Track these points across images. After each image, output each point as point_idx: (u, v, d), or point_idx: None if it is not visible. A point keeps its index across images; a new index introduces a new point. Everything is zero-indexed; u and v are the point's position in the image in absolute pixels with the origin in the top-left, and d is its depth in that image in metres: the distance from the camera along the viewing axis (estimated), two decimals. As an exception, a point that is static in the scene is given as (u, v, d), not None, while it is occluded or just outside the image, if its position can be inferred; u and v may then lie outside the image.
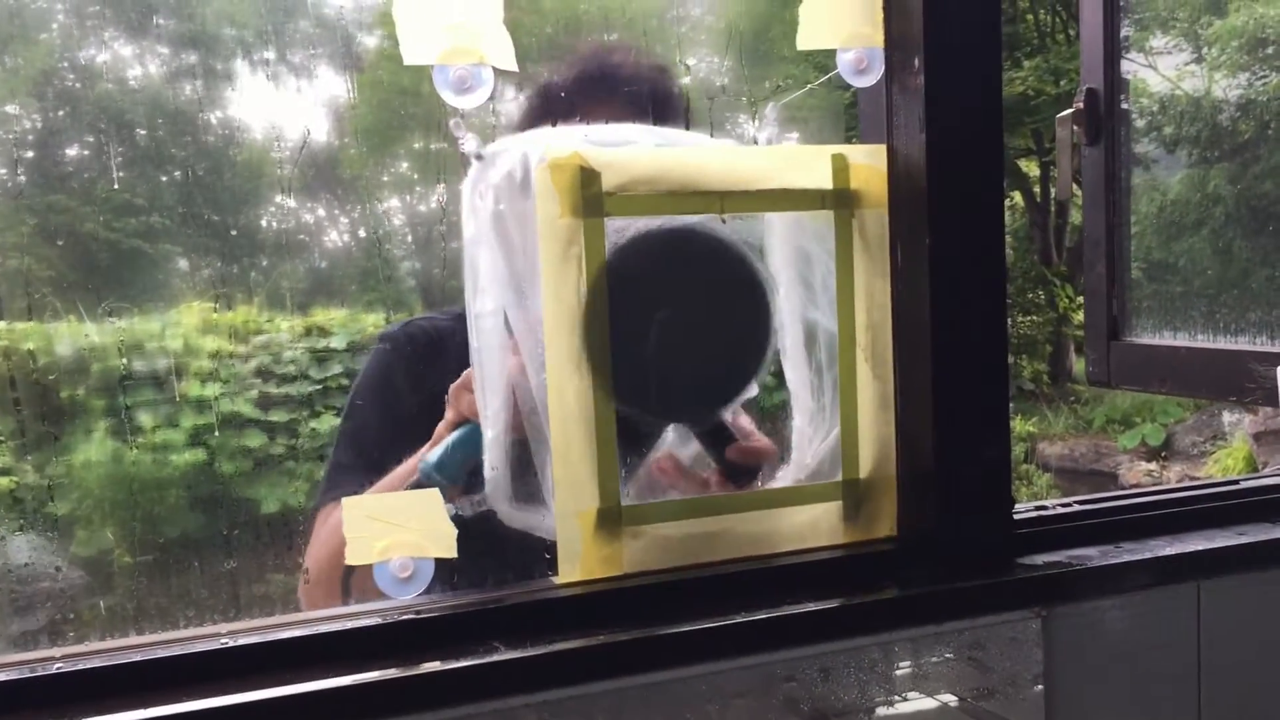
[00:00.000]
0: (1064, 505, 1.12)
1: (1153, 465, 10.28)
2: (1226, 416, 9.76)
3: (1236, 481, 1.19)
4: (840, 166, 1.02)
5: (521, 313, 1.01)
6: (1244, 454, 8.16)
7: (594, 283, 0.96)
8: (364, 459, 1.31)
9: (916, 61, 0.99)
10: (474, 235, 1.04)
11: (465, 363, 1.32)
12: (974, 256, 1.01)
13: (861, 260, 1.04)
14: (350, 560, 0.92)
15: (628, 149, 0.98)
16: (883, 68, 1.03)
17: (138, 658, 0.84)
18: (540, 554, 1.03)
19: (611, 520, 0.97)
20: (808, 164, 1.02)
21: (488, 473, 1.03)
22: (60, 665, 0.83)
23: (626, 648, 0.90)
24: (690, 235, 1.00)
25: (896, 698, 0.99)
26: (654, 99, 1.27)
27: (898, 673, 0.98)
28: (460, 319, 1.42)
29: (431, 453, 1.05)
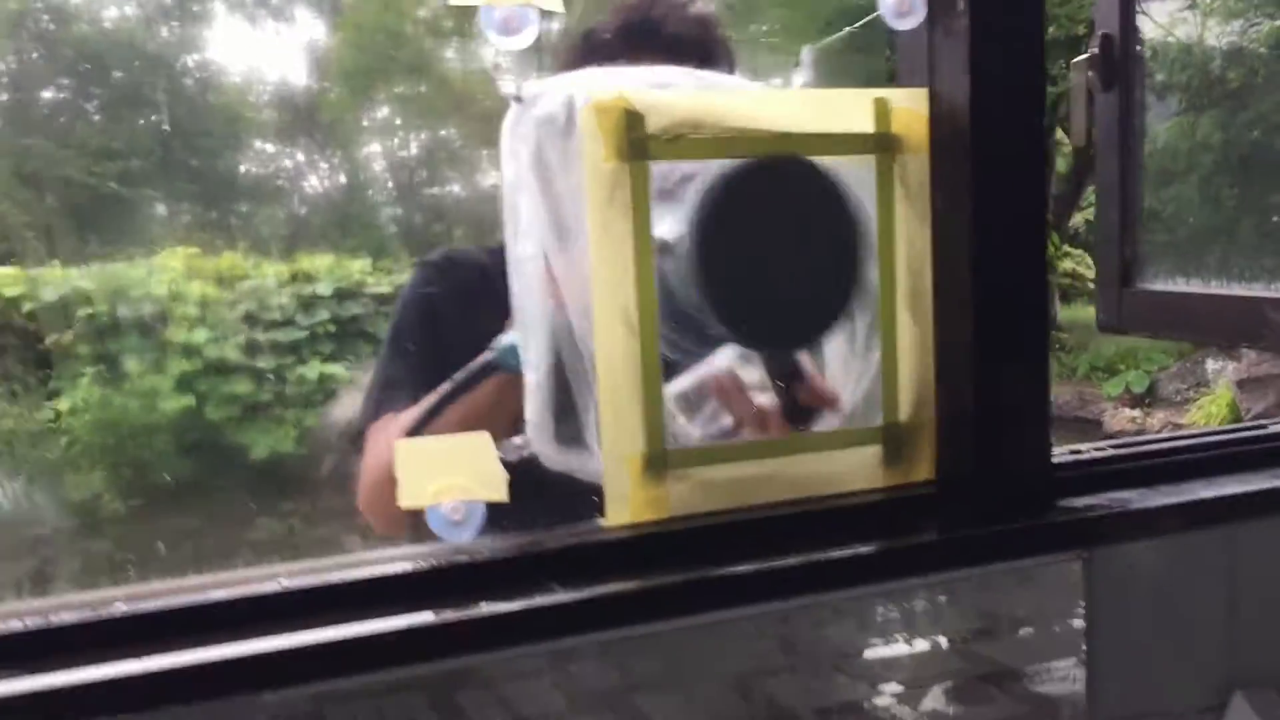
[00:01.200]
0: (1099, 450, 1.13)
1: (1136, 412, 10.38)
2: (1210, 364, 9.85)
3: (1264, 426, 1.20)
4: (882, 110, 1.02)
5: (563, 257, 1.02)
6: (1227, 400, 8.24)
7: (639, 228, 0.96)
8: (413, 376, 1.32)
9: (960, 3, 0.99)
10: (514, 179, 1.03)
11: (504, 292, 1.33)
12: (1016, 200, 1.01)
13: (902, 205, 1.04)
14: (403, 503, 0.92)
15: (671, 91, 0.98)
16: (925, 10, 1.03)
17: (197, 599, 0.85)
18: (585, 497, 1.04)
19: (658, 464, 0.98)
20: (849, 108, 1.02)
21: (530, 416, 1.03)
22: (122, 607, 0.83)
23: (678, 589, 0.91)
24: (793, 164, 1.00)
25: (940, 638, 1.01)
26: (700, 47, 1.26)
27: (940, 613, 1.00)
28: (495, 253, 1.43)
29: (506, 336, 1.06)
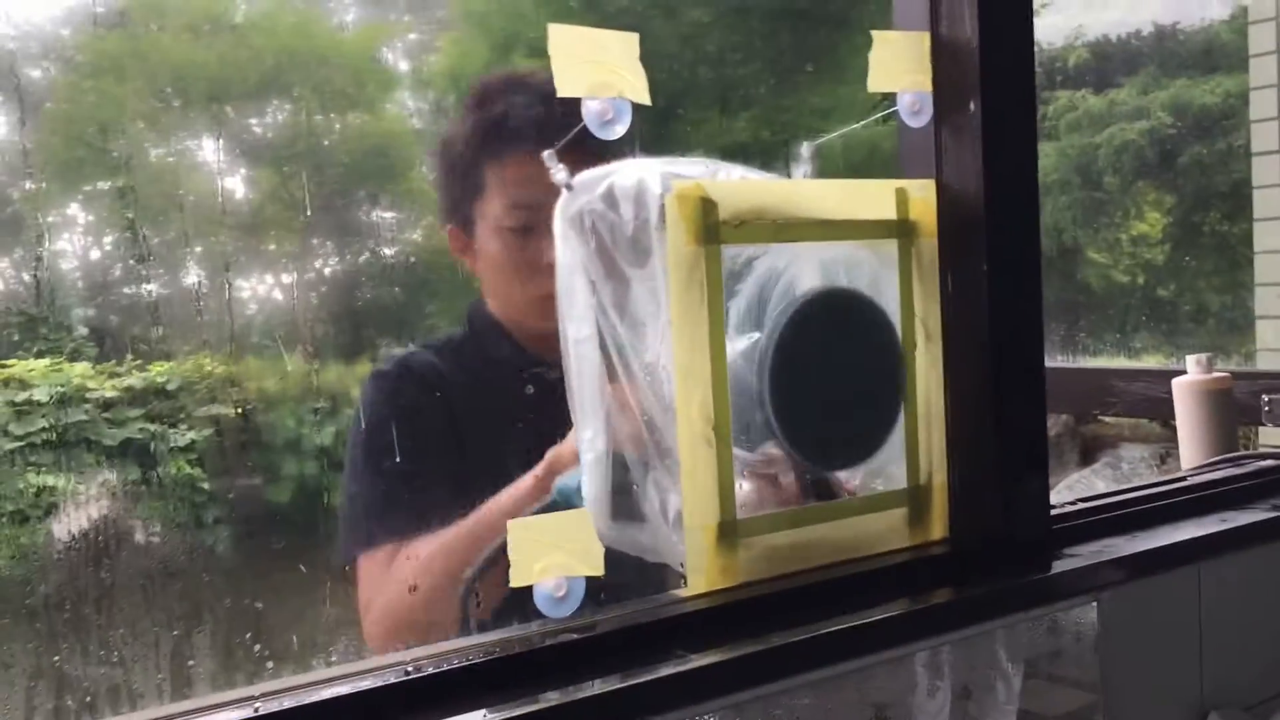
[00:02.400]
0: (1080, 502, 1.26)
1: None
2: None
3: (1185, 479, 1.37)
4: (903, 199, 1.12)
5: (624, 337, 1.05)
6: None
7: (714, 308, 1.01)
8: (399, 492, 1.30)
9: (972, 105, 1.10)
10: (567, 263, 1.07)
11: (467, 386, 1.34)
12: (1024, 287, 1.13)
13: (917, 284, 1.14)
14: (515, 582, 0.92)
15: (736, 182, 1.05)
16: (932, 109, 1.14)
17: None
18: (644, 570, 1.07)
19: (729, 532, 1.02)
20: (875, 197, 1.11)
21: (587, 494, 1.06)
22: None
23: (762, 657, 0.95)
24: (849, 298, 1.09)
25: (972, 684, 1.09)
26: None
27: (972, 661, 1.08)
28: (441, 350, 1.43)
29: (569, 476, 1.06)
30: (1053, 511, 1.19)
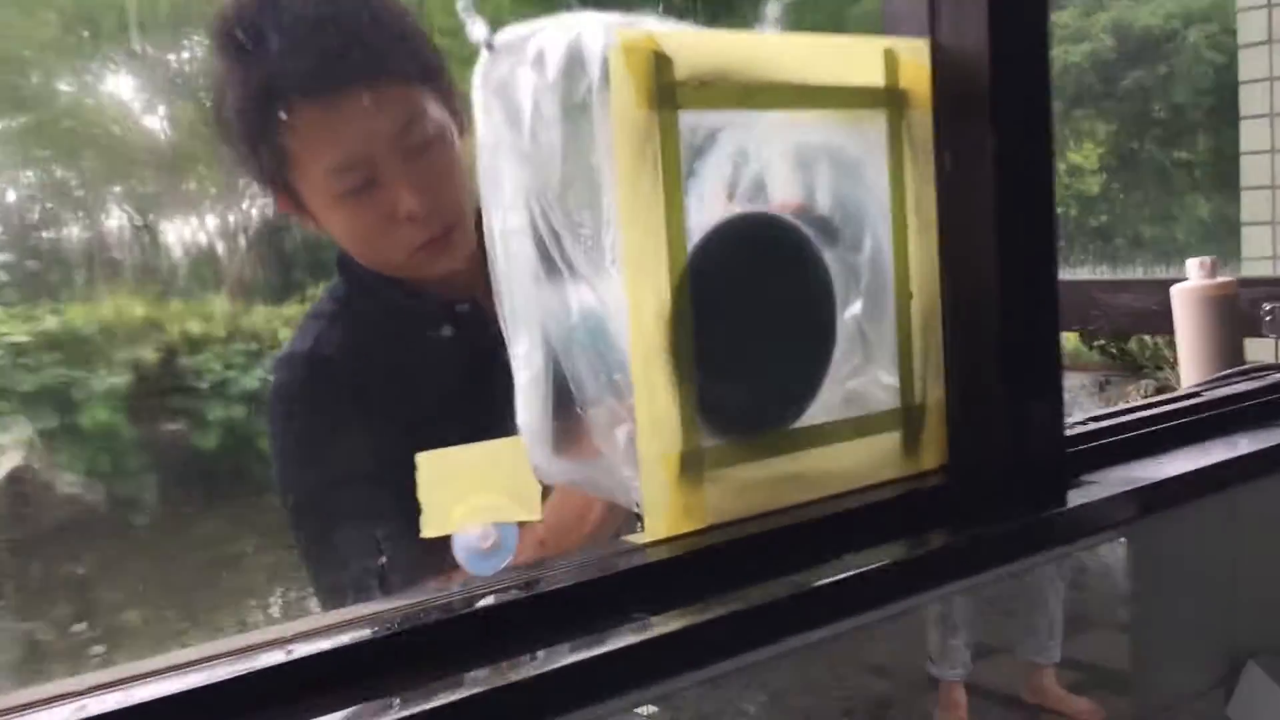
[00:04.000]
0: (1094, 420, 1.09)
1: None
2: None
3: (1200, 394, 1.21)
4: (891, 63, 0.93)
5: (560, 227, 0.86)
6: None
7: (670, 190, 0.82)
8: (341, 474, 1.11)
9: (974, -53, 0.92)
10: (492, 140, 0.87)
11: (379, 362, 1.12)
12: (1033, 160, 0.95)
13: (909, 166, 0.95)
14: (427, 531, 0.74)
15: (695, 34, 0.85)
16: (925, -44, 0.95)
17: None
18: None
19: (694, 465, 0.84)
20: (859, 59, 0.92)
21: (522, 421, 0.87)
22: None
23: (731, 622, 0.77)
24: (769, 223, 0.90)
25: (991, 625, 0.92)
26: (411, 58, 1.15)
27: (987, 607, 0.91)
28: (332, 319, 1.22)
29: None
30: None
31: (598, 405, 0.86)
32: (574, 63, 0.83)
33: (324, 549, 1.17)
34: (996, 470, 0.96)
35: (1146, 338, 5.80)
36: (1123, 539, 0.97)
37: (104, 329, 8.06)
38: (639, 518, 0.84)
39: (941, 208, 0.96)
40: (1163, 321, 1.58)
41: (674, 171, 0.82)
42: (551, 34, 0.84)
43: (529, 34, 0.85)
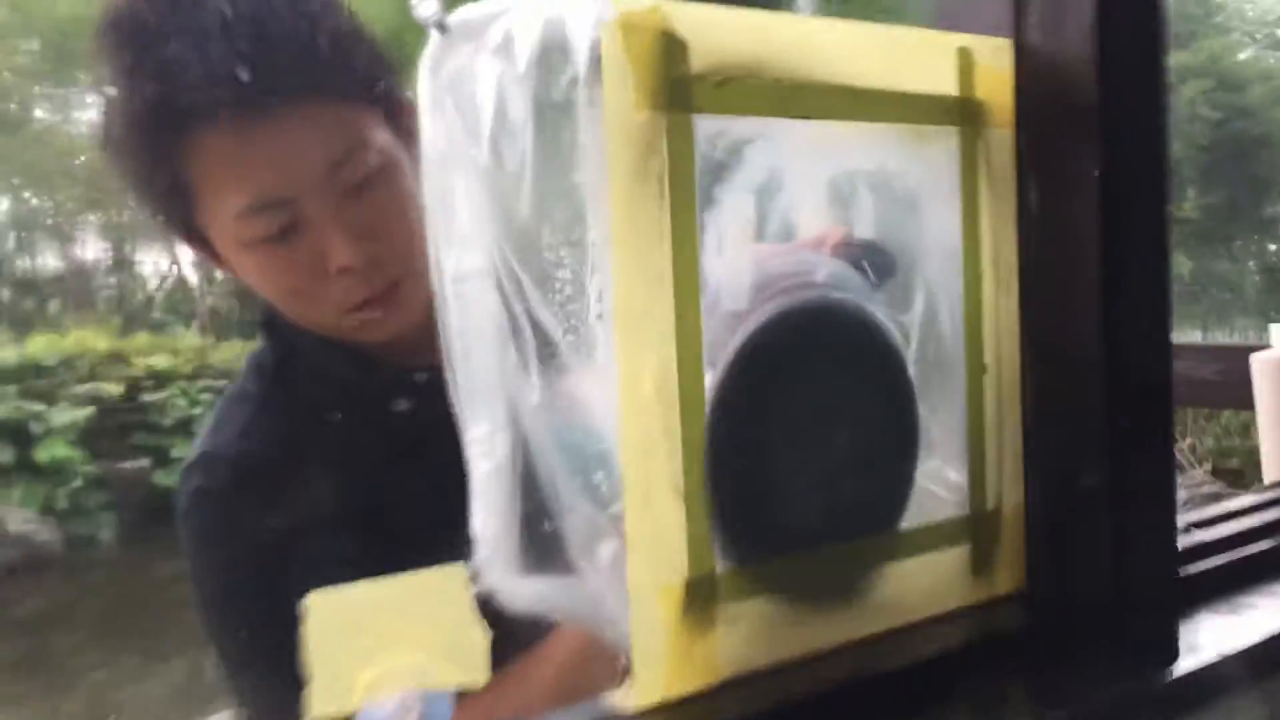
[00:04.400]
0: (1196, 527, 0.87)
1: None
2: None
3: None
4: (966, 65, 0.72)
5: (530, 270, 0.64)
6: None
7: (681, 220, 0.60)
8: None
9: (1079, -79, 0.70)
10: (442, 151, 0.64)
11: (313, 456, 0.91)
12: (1146, 200, 0.73)
13: (987, 201, 0.74)
14: (317, 709, 0.50)
15: (722, 11, 0.63)
16: (1008, -67, 0.73)
17: None
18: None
19: (704, 597, 0.61)
20: (928, 59, 0.71)
21: (479, 528, 0.64)
22: None
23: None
24: (834, 311, 0.67)
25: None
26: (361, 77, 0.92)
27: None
28: (261, 405, 0.99)
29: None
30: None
31: (574, 513, 0.63)
32: (553, 49, 0.61)
33: (258, 695, 0.94)
34: (1092, 600, 0.73)
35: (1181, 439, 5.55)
36: (1255, 705, 0.74)
37: (66, 361, 7.77)
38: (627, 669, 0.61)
39: (1025, 257, 0.74)
40: (1223, 393, 1.36)
41: (687, 197, 0.60)
42: (524, 12, 0.62)
43: (494, 12, 0.63)
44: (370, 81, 0.92)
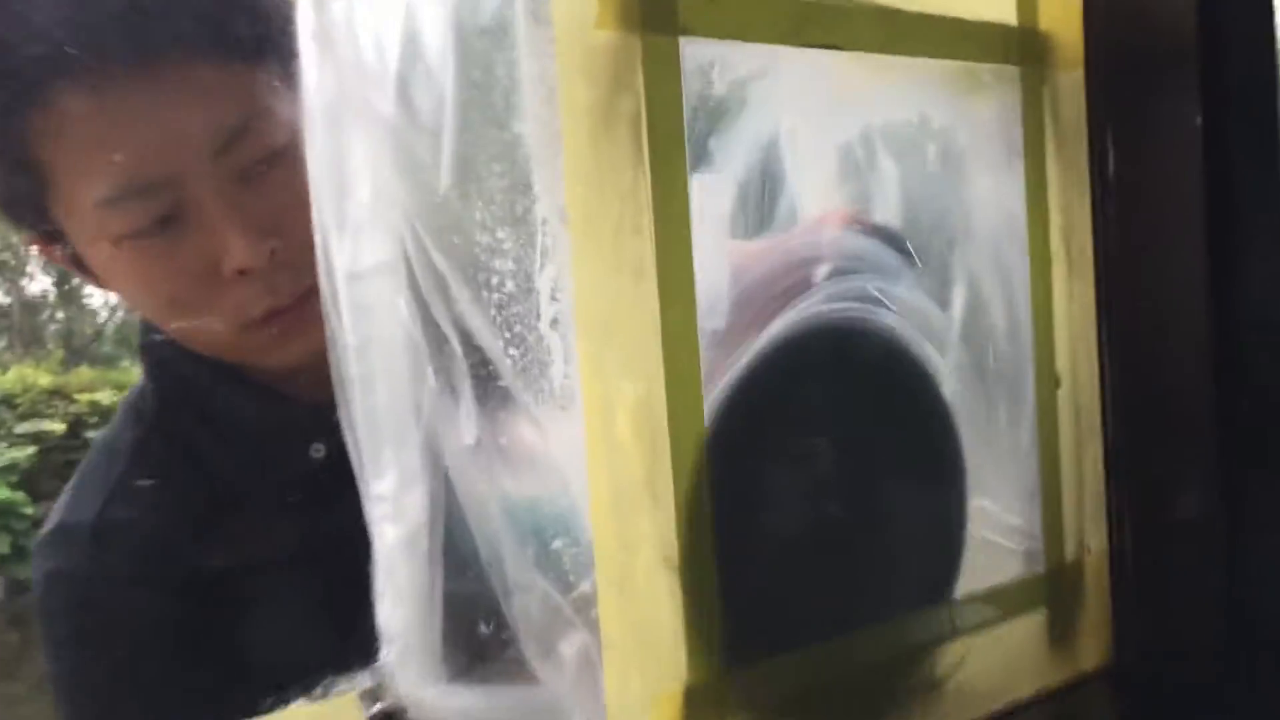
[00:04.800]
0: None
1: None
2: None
3: None
4: (1027, -11, 0.55)
5: (454, 262, 0.46)
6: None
7: (662, 177, 0.42)
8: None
9: None
10: (329, 99, 0.47)
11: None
12: (1260, 161, 0.57)
13: (1053, 162, 0.57)
14: None
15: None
16: None
17: None
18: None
19: (710, 710, 0.44)
20: (975, -23, 0.54)
21: (384, 619, 0.46)
22: None
23: None
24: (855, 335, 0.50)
25: None
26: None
27: None
28: (138, 455, 0.82)
29: None
30: None
31: (525, 594, 0.46)
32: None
33: None
34: (1199, 675, 0.57)
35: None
36: None
37: (6, 399, 7.45)
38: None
39: (1103, 234, 0.57)
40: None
41: (673, 152, 0.42)
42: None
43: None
44: (270, 37, 0.74)
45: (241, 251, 0.71)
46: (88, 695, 0.78)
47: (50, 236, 0.75)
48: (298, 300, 0.74)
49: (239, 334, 0.75)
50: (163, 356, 0.81)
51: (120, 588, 0.76)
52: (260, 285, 0.73)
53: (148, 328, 0.81)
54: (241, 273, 0.72)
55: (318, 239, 0.47)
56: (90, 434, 7.53)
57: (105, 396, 7.80)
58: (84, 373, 8.26)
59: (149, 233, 0.71)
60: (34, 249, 0.77)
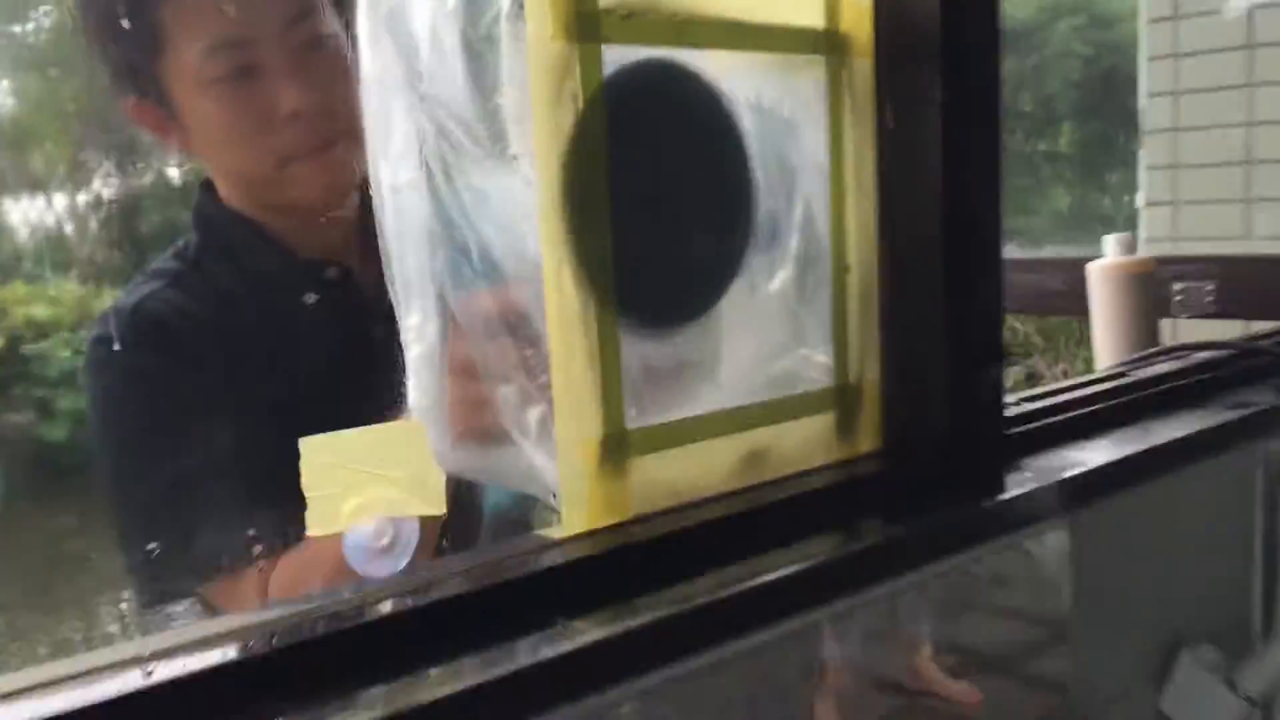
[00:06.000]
0: (1027, 401, 1.02)
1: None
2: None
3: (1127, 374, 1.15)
4: (832, 1, 0.84)
5: (465, 180, 0.75)
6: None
7: (586, 130, 0.71)
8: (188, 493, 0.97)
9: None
10: (380, 77, 0.75)
11: (226, 327, 1.00)
12: (982, 121, 0.87)
13: (850, 123, 0.86)
14: (314, 529, 0.62)
15: (622, -44, 0.74)
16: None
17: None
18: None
19: (618, 449, 0.74)
20: (797, -1, 0.83)
21: (413, 401, 0.76)
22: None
23: (691, 618, 0.68)
24: (678, 74, 0.78)
25: (925, 625, 0.84)
26: None
27: (923, 604, 0.84)
28: (178, 276, 1.08)
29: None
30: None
31: (507, 383, 0.75)
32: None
33: (138, 526, 1.04)
34: (935, 453, 0.88)
35: (1017, 325, 5.87)
36: (1060, 527, 0.90)
37: (-59, 313, 7.56)
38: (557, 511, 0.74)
39: (882, 170, 0.87)
40: (1071, 301, 1.53)
41: (599, 117, 0.71)
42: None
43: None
44: None
45: (294, 98, 1.00)
46: (118, 443, 1.06)
47: (150, 88, 1.02)
48: (325, 145, 1.03)
49: (280, 166, 1.03)
50: (208, 214, 1.08)
51: (145, 353, 1.03)
52: (303, 127, 1.01)
53: (202, 196, 1.08)
54: (292, 115, 1.00)
55: (370, 166, 0.75)
56: (27, 349, 7.67)
57: (40, 310, 7.90)
58: (17, 287, 8.34)
59: (233, 79, 0.99)
60: (131, 113, 1.04)
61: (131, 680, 0.54)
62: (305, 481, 0.61)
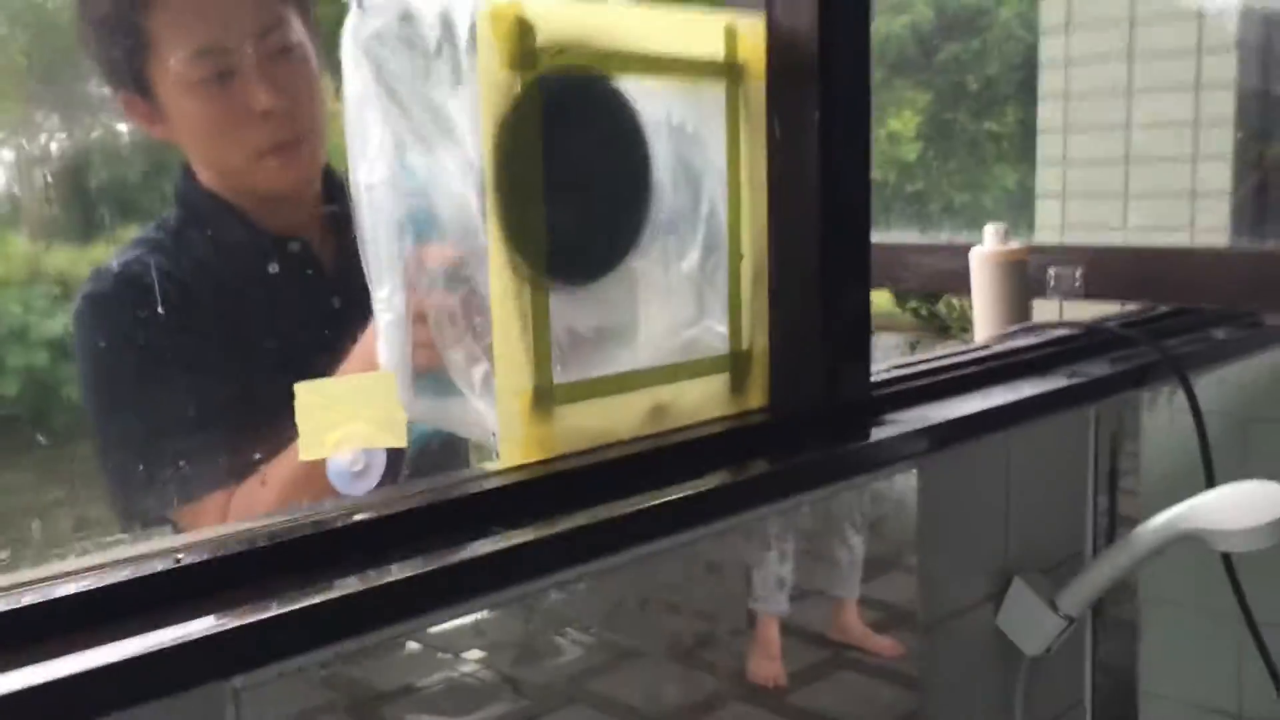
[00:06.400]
0: (898, 368, 1.22)
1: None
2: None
3: (988, 346, 1.36)
4: (731, 36, 1.02)
5: (425, 179, 0.93)
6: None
7: (520, 140, 0.89)
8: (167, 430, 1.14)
9: (805, -63, 1.01)
10: (358, 94, 0.92)
11: (200, 290, 1.15)
12: (854, 131, 1.06)
13: (745, 133, 1.05)
14: (304, 455, 0.80)
15: (556, 4, 0.92)
16: (763, -59, 1.04)
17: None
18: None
19: (545, 399, 0.92)
20: (704, 32, 1.01)
21: (384, 361, 0.93)
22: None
23: (597, 529, 0.86)
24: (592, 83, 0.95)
25: (805, 569, 1.03)
26: None
27: (797, 528, 1.03)
28: (159, 245, 1.24)
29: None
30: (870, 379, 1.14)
31: (457, 346, 0.93)
32: (442, 24, 0.90)
33: (119, 459, 1.20)
34: (811, 410, 1.07)
35: (955, 301, 6.12)
36: (915, 469, 1.09)
37: (-107, 267, 7.59)
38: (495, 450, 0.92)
39: (771, 174, 1.06)
40: (965, 282, 1.73)
41: (536, 130, 0.89)
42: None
43: (389, -3, 0.91)
44: None
45: (266, 99, 1.16)
46: (103, 386, 1.22)
47: (139, 87, 1.18)
48: (293, 142, 1.19)
49: (254, 158, 1.19)
50: (187, 193, 1.24)
51: (128, 307, 1.19)
52: (274, 126, 1.17)
53: (183, 178, 1.24)
54: (264, 114, 1.16)
55: (350, 165, 0.92)
56: (-19, 303, 7.79)
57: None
58: (-32, 244, 8.38)
59: (213, 81, 1.15)
60: (122, 105, 1.20)
61: (166, 564, 0.71)
62: (298, 417, 0.79)
